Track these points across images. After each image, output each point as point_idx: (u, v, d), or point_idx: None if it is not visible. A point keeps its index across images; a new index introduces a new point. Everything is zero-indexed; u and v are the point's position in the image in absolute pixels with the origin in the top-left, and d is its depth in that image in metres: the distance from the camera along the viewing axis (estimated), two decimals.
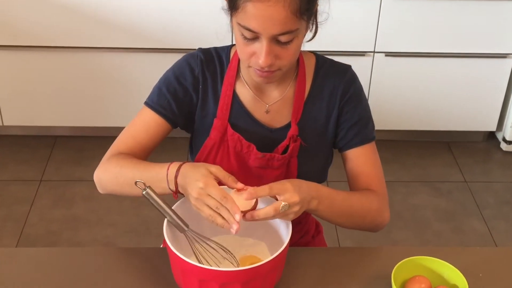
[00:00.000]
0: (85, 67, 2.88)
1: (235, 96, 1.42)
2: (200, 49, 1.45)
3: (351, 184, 1.48)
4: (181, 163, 1.28)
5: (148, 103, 1.44)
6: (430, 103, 3.03)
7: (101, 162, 1.42)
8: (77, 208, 2.71)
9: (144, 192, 1.22)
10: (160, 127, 1.42)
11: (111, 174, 1.37)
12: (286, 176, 1.42)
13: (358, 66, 2.87)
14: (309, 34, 1.33)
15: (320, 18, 1.32)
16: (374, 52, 2.86)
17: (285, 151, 1.41)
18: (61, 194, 2.78)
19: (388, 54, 2.87)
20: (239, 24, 1.24)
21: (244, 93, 1.42)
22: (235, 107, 1.42)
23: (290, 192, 1.23)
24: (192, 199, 1.21)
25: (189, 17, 2.75)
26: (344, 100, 1.43)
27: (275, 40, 1.24)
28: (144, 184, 1.23)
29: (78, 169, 2.92)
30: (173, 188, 1.27)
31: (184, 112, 1.44)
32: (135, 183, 1.22)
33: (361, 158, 1.46)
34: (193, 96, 1.43)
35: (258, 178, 1.41)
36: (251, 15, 1.21)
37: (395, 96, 3.00)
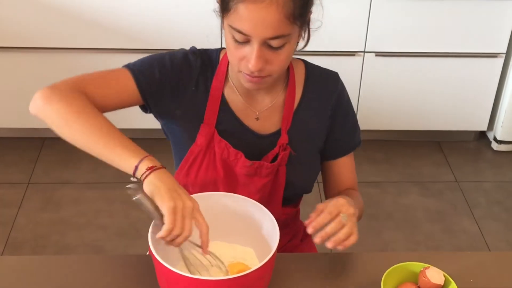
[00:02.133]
0: (73, 68, 2.84)
1: (224, 102, 1.39)
2: (198, 50, 1.40)
3: (332, 188, 1.52)
4: (157, 166, 1.17)
5: (131, 69, 1.34)
6: (420, 103, 3.02)
7: (61, 83, 1.27)
8: (66, 211, 2.68)
9: (135, 198, 1.15)
10: (132, 97, 1.33)
11: (71, 109, 1.21)
12: (274, 184, 1.41)
13: (349, 66, 2.89)
14: (301, 42, 1.31)
15: (312, 25, 1.30)
16: (364, 52, 2.85)
17: (274, 159, 1.39)
18: (49, 197, 2.75)
19: (379, 54, 2.86)
20: (230, 26, 1.22)
21: (234, 99, 1.39)
22: (224, 113, 1.38)
23: (346, 206, 1.25)
24: (169, 200, 1.13)
25: (174, 18, 2.73)
26: (338, 110, 1.44)
27: (266, 44, 1.21)
28: (136, 190, 1.15)
29: (66, 171, 2.89)
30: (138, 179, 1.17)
31: (161, 102, 1.36)
32: (126, 187, 1.15)
33: (347, 165, 1.50)
34: (180, 94, 1.36)
35: (244, 186, 1.39)
36: (243, 17, 1.18)
37: (386, 96, 2.99)
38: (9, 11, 2.69)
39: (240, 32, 1.20)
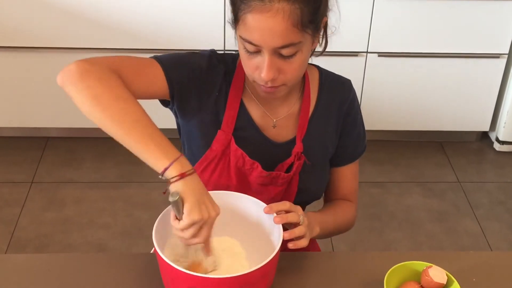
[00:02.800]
0: None
1: (243, 109, 1.38)
2: (220, 55, 1.38)
3: (330, 194, 1.53)
4: (187, 171, 1.13)
5: (162, 63, 1.30)
6: (423, 103, 3.02)
7: (98, 61, 1.20)
8: (69, 210, 2.69)
9: (172, 200, 1.12)
10: (160, 90, 1.31)
11: (109, 92, 1.15)
12: (286, 192, 1.41)
13: (351, 66, 2.89)
14: (318, 47, 1.31)
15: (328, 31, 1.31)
16: (367, 52, 2.85)
17: (289, 168, 1.39)
18: (52, 196, 2.76)
19: (381, 54, 2.86)
20: (240, 37, 1.22)
21: (253, 106, 1.39)
22: (242, 120, 1.38)
23: (300, 210, 1.28)
24: (196, 213, 1.12)
25: (181, 18, 2.74)
26: (347, 118, 1.44)
27: (277, 53, 1.21)
28: (174, 193, 1.12)
29: (69, 171, 2.90)
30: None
31: (186, 102, 1.35)
32: (164, 192, 1.13)
33: (349, 173, 1.51)
34: (204, 98, 1.36)
35: (257, 194, 1.38)
36: (251, 27, 1.18)
37: (388, 97, 2.99)
38: (12, 10, 2.70)
39: (250, 42, 1.20)
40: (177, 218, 1.15)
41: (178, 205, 1.13)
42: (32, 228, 2.58)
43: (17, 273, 1.32)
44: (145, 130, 1.15)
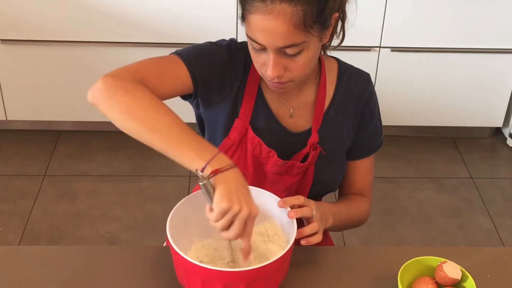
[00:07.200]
0: (90, 62, 2.86)
1: (261, 97, 1.39)
2: (240, 43, 1.38)
3: (344, 188, 1.53)
4: (222, 168, 1.12)
5: (183, 58, 1.30)
6: (436, 99, 3.01)
7: (121, 73, 1.22)
8: (81, 203, 2.70)
9: (201, 183, 1.11)
10: (184, 86, 1.31)
11: (137, 103, 1.17)
12: (301, 183, 1.41)
13: (364, 61, 2.88)
14: (335, 40, 1.35)
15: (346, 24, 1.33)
16: (380, 47, 2.84)
17: (304, 158, 1.39)
18: (65, 189, 2.77)
19: (394, 49, 2.85)
20: (247, 35, 1.24)
21: (270, 95, 1.39)
22: (260, 108, 1.38)
23: (313, 205, 1.28)
24: (224, 202, 1.10)
25: (192, 11, 2.74)
26: (365, 112, 1.44)
27: (282, 52, 1.22)
28: (205, 177, 1.12)
29: (82, 164, 2.91)
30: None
31: (209, 94, 1.35)
32: (196, 171, 1.11)
33: (364, 167, 1.51)
34: (227, 88, 1.36)
35: (273, 183, 1.39)
36: (255, 27, 1.20)
37: (401, 92, 2.98)
38: (27, 4, 2.71)
39: (254, 41, 1.22)
40: (212, 210, 1.13)
41: (209, 191, 1.11)
42: (44, 220, 2.60)
43: (29, 265, 1.32)
44: (179, 135, 1.16)
